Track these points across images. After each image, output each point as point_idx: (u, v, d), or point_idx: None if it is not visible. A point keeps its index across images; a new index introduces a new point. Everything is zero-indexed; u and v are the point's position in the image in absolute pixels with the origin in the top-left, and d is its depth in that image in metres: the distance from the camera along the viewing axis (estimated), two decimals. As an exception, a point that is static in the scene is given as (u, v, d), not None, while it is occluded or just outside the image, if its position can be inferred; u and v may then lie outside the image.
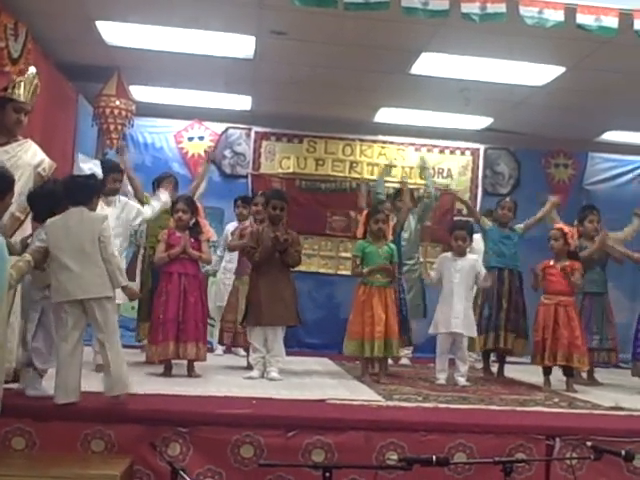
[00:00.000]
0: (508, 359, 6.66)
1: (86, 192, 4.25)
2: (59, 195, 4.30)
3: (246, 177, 9.09)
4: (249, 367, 6.02)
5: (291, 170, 9.18)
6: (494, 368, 6.66)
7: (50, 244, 4.08)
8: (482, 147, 9.50)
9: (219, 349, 7.50)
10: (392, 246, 6.09)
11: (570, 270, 5.99)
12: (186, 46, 6.90)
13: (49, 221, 4.15)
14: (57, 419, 3.91)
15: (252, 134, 9.23)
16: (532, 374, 6.34)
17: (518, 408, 4.87)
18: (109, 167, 5.92)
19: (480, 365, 6.83)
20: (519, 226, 6.58)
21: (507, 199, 6.85)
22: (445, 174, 9.42)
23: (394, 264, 6.01)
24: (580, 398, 5.46)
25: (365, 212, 6.25)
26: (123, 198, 6.06)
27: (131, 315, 6.91)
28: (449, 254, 6.20)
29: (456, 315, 5.93)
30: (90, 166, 4.83)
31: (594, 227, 6.64)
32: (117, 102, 7.63)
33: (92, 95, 7.81)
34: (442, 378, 5.96)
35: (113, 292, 4.13)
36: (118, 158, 6.72)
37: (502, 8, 4.92)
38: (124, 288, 4.23)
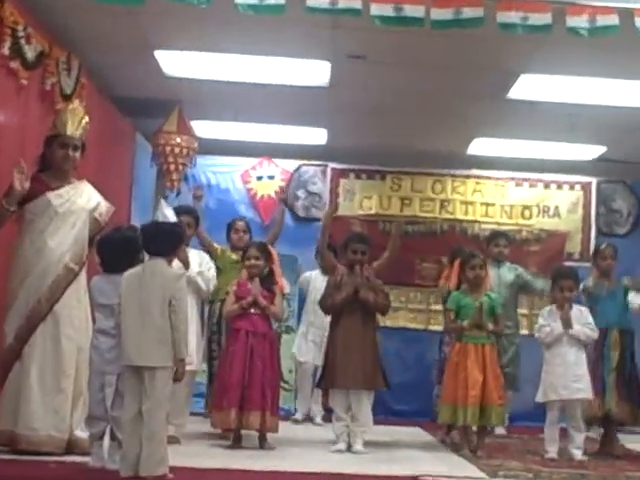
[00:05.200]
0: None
1: (171, 242, 4.31)
2: (133, 244, 4.36)
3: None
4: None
5: (373, 211, 9.22)
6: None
7: (121, 299, 4.14)
8: (594, 180, 9.37)
9: (297, 414, 7.46)
10: (493, 296, 5.99)
11: None
12: (253, 75, 7.01)
13: (125, 274, 4.19)
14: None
15: (328, 171, 9.32)
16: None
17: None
18: (184, 210, 5.95)
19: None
20: (626, 279, 6.41)
21: (604, 245, 6.72)
22: (552, 212, 9.31)
23: (498, 316, 5.91)
24: None
25: (458, 261, 6.19)
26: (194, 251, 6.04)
27: (200, 378, 6.66)
28: (554, 307, 6.04)
29: (576, 379, 5.79)
30: (172, 213, 4.91)
31: None
32: (178, 139, 7.70)
33: (150, 132, 7.99)
34: (553, 451, 5.80)
35: (171, 362, 4.12)
36: (195, 205, 6.79)
37: (615, 20, 4.84)
38: (181, 361, 4.17)
